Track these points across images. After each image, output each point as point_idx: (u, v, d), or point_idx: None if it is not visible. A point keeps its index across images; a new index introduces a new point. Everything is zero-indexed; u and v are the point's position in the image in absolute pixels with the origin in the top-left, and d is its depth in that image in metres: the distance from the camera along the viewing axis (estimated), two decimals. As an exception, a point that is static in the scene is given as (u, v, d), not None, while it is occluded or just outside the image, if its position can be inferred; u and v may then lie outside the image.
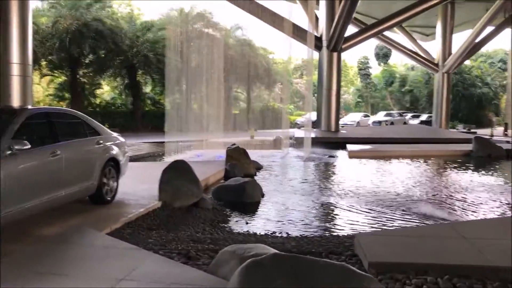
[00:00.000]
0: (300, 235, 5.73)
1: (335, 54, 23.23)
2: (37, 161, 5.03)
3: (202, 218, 6.42)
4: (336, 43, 22.67)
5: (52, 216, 5.51)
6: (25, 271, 3.73)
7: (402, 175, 11.58)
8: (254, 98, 35.93)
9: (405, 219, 6.81)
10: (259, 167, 11.91)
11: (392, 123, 36.79)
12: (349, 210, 7.45)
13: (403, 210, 7.39)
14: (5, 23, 11.44)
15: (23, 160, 4.76)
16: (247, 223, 6.50)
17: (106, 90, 33.63)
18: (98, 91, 31.36)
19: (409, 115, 41.63)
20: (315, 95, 26.59)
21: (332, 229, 6.29)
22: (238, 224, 6.45)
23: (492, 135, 25.51)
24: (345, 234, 5.78)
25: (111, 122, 25.51)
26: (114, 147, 6.76)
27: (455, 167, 13.32)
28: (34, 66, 22.12)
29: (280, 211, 7.42)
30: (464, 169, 12.92)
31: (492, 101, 44.49)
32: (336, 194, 8.86)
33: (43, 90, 30.55)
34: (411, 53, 31.67)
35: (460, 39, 31.01)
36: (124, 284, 3.49)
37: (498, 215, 7.36)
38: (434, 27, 31.71)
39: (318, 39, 23.23)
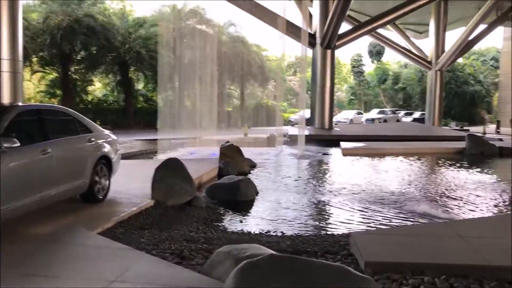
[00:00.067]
0: (295, 234, 5.67)
1: (328, 52, 23.22)
2: (27, 159, 4.93)
3: (195, 217, 6.34)
4: (330, 41, 22.65)
5: (42, 215, 5.41)
6: (12, 273, 3.61)
7: (396, 173, 11.57)
8: (247, 95, 35.85)
9: (400, 218, 6.77)
10: (253, 165, 11.85)
11: (385, 121, 36.89)
12: (344, 209, 7.40)
13: (397, 208, 7.36)
14: (-5, 19, 11.29)
15: (13, 158, 4.65)
16: (241, 222, 6.44)
17: (98, 87, 33.42)
18: (90, 88, 31.15)
19: (402, 112, 41.78)
20: (309, 92, 26.57)
21: (327, 228, 6.23)
22: (232, 223, 6.38)
23: (484, 133, 25.66)
24: (340, 233, 5.72)
25: (103, 119, 25.35)
26: (106, 144, 6.67)
27: (448, 165, 13.34)
28: (25, 62, 21.93)
29: (275, 209, 7.36)
30: (458, 167, 12.93)
31: (484, 99, 44.78)
32: (330, 192, 8.81)
33: (34, 86, 30.28)
34: (404, 51, 31.77)
35: (453, 37, 31.19)
36: (116, 286, 3.41)
37: (494, 213, 7.35)
38: (427, 24, 31.83)
39: (312, 36, 23.20)
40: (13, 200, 4.62)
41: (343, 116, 38.65)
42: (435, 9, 30.11)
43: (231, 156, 10.84)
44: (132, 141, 17.71)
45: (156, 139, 16.86)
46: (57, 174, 5.41)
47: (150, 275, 3.63)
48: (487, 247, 4.41)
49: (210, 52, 20.12)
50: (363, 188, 9.16)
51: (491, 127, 31.38)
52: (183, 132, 17.02)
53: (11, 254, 4.13)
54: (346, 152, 15.89)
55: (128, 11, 32.84)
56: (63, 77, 27.25)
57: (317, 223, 6.59)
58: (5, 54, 11.45)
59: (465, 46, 30.27)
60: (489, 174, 11.92)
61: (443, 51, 30.76)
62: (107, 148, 6.65)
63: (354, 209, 7.35)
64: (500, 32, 37.74)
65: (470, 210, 7.49)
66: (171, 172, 7.01)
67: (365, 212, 7.13)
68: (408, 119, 38.81)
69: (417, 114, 39.38)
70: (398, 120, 38.23)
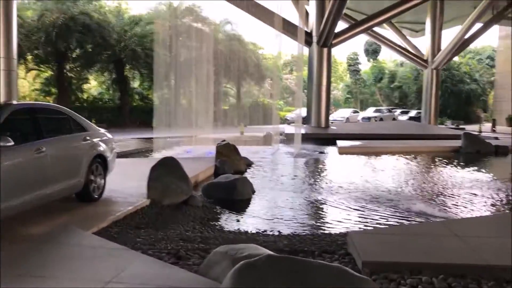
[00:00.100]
0: (292, 233, 5.65)
1: (325, 50, 23.20)
2: (21, 158, 4.87)
3: (191, 216, 6.30)
4: (326, 39, 22.62)
5: (37, 214, 5.36)
6: (5, 273, 3.55)
7: (392, 172, 11.58)
8: (243, 94, 35.81)
9: (397, 216, 6.76)
10: (249, 164, 11.82)
11: (381, 119, 36.92)
12: (340, 207, 7.38)
13: (394, 207, 7.34)
14: (-11, 16, 11.19)
15: (7, 157, 4.59)
16: (238, 221, 6.40)
17: (93, 85, 33.28)
18: (85, 86, 31.01)
19: (398, 111, 41.80)
20: (305, 90, 26.56)
21: (324, 227, 6.21)
22: (228, 222, 6.34)
23: (480, 131, 25.73)
24: (337, 232, 5.70)
25: (98, 117, 25.25)
26: (101, 143, 6.62)
27: (445, 163, 13.35)
28: (20, 60, 21.80)
29: (271, 208, 7.33)
30: (454, 165, 12.95)
31: (480, 97, 44.89)
32: (326, 190, 8.79)
33: (29, 84, 30.12)
34: (400, 49, 31.78)
35: (449, 36, 31.22)
36: (111, 286, 3.36)
37: (491, 212, 7.35)
38: (424, 23, 31.85)
39: (308, 35, 23.18)
40: (8, 199, 4.56)
41: (339, 114, 38.65)
42: (431, 7, 30.12)
43: (227, 155, 10.79)
44: (127, 140, 17.63)
45: (152, 138, 16.79)
46: (52, 173, 5.36)
47: (146, 276, 3.59)
48: (484, 246, 4.40)
49: (206, 50, 20.01)
50: (359, 187, 9.15)
51: (487, 126, 31.46)
52: (179, 131, 16.93)
53: (4, 254, 4.07)
54: (343, 151, 15.89)
55: (123, 9, 32.69)
56: (58, 75, 27.10)
57: (314, 222, 6.57)
58: (0, 52, 11.35)
59: (461, 45, 30.31)
60: (485, 172, 11.94)
61: (439, 49, 30.79)
62: (102, 146, 6.60)
63: (350, 208, 7.32)
64: (495, 30, 37.88)
65: (466, 208, 7.49)
66: (167, 171, 6.97)
67: (362, 211, 7.11)
68: (404, 117, 38.83)
69: (413, 113, 39.42)
70: (394, 119, 38.26)
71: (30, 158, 5.00)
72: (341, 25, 24.81)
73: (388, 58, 55.31)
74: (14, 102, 7.28)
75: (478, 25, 30.09)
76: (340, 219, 6.63)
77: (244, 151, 12.50)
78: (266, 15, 21.75)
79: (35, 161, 5.08)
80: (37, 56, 26.40)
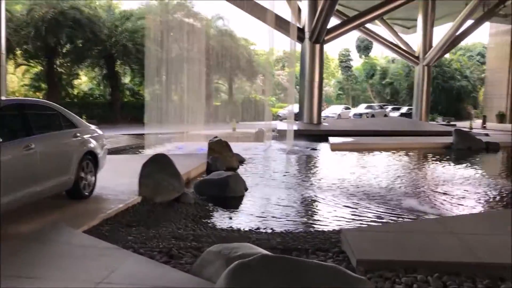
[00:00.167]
0: (285, 230, 5.61)
1: (317, 46, 23.15)
2: (9, 155, 4.76)
3: (184, 213, 6.23)
4: (319, 35, 22.58)
5: (26, 212, 5.26)
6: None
7: (385, 168, 11.57)
8: (235, 90, 35.67)
9: (390, 213, 6.74)
10: (241, 160, 11.75)
11: (373, 116, 36.99)
12: (333, 204, 7.35)
13: (387, 204, 7.33)
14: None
15: (-6, 154, 4.49)
16: (230, 219, 6.34)
17: (84, 81, 32.96)
18: (75, 82, 30.68)
19: (390, 107, 41.91)
20: (297, 87, 26.52)
21: (317, 224, 6.17)
22: (221, 219, 6.28)
23: (471, 128, 25.86)
24: (331, 229, 5.66)
25: (89, 113, 24.98)
26: (91, 140, 6.54)
27: (436, 160, 13.40)
28: (8, 55, 21.50)
29: (264, 205, 7.28)
30: (446, 162, 12.99)
31: (470, 94, 45.15)
32: (319, 187, 8.76)
33: (18, 80, 29.72)
34: (392, 46, 31.84)
35: (440, 32, 31.31)
36: (102, 287, 3.29)
37: (484, 209, 7.36)
38: (415, 20, 31.91)
39: (301, 31, 23.12)
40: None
41: (331, 111, 38.66)
42: (423, 4, 30.20)
43: (219, 152, 10.73)
44: (118, 136, 17.49)
45: (143, 134, 16.65)
46: (41, 171, 5.27)
47: (138, 276, 3.52)
48: (479, 244, 4.38)
49: (198, 46, 19.90)
50: (352, 183, 9.14)
51: (477, 122, 31.65)
52: (171, 127, 16.82)
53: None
54: (335, 147, 15.88)
55: (114, 4, 32.35)
56: (48, 70, 26.77)
57: (306, 219, 6.53)
58: (-12, 46, 11.19)
59: (453, 42, 30.43)
60: (477, 169, 11.99)
61: (430, 46, 30.89)
62: (93, 143, 6.51)
63: (343, 205, 7.30)
64: (486, 28, 38.05)
65: (459, 205, 7.50)
66: (158, 168, 6.89)
67: (355, 208, 7.09)
68: (395, 114, 38.95)
69: (404, 109, 39.55)
70: (385, 115, 38.36)
71: (18, 155, 4.91)
72: (333, 21, 24.81)
73: (380, 54, 55.45)
74: (3, 97, 7.15)
75: (469, 22, 30.23)
76: (333, 216, 6.60)
77: (236, 147, 12.43)
78: (258, 11, 21.65)
79: (24, 158, 4.99)
80: (26, 51, 26.04)
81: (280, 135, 18.86)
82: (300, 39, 23.10)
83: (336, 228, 5.71)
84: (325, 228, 5.79)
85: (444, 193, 8.37)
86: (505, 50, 35.79)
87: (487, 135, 21.06)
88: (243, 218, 6.44)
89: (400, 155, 14.23)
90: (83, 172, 6.17)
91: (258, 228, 5.72)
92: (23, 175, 4.96)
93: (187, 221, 5.90)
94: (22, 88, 29.00)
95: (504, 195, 8.33)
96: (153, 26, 18.15)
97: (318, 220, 6.52)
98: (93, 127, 6.99)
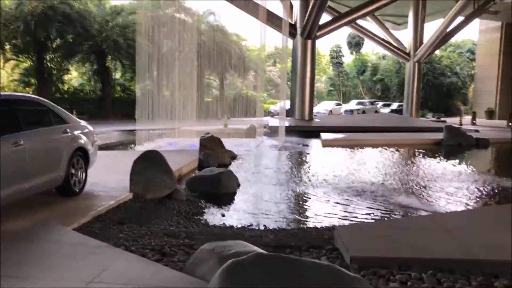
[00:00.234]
0: (278, 227, 5.58)
1: (309, 42, 23.11)
2: (-3, 151, 4.67)
3: (176, 210, 6.17)
4: (311, 31, 22.54)
5: (15, 209, 5.17)
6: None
7: (376, 164, 11.59)
8: (227, 86, 35.51)
9: (383, 210, 6.74)
10: (233, 157, 11.70)
11: (364, 112, 37.08)
12: (326, 201, 7.34)
13: (379, 200, 7.34)
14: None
15: (-18, 151, 4.40)
16: (223, 216, 6.29)
17: (74, 76, 32.63)
18: (66, 77, 30.34)
19: (380, 103, 42.02)
20: (289, 83, 26.46)
21: (310, 221, 6.15)
22: (213, 216, 6.23)
23: (461, 124, 26.01)
24: (324, 226, 5.65)
25: (79, 109, 24.79)
26: (82, 136, 6.45)
27: (427, 156, 13.45)
28: (-3, 50, 21.20)
29: (257, 202, 7.25)
30: (437, 158, 13.04)
31: (460, 91, 45.39)
32: (311, 184, 8.74)
33: (7, 75, 29.35)
34: (383, 42, 31.90)
35: (431, 29, 31.42)
36: (93, 287, 3.23)
37: (477, 206, 7.39)
38: (406, 16, 32.00)
39: (293, 27, 23.05)
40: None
41: (323, 107, 38.68)
42: (414, 1, 30.27)
43: (211, 148, 10.66)
44: (109, 132, 17.36)
45: (134, 130, 16.54)
46: (31, 167, 5.18)
47: (130, 275, 3.46)
48: (472, 240, 4.38)
49: (189, 41, 19.76)
50: (344, 180, 9.14)
51: (467, 118, 31.85)
52: (162, 123, 16.70)
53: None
54: (326, 143, 15.90)
55: (105, -1, 32.04)
56: (38, 65, 26.45)
57: (299, 216, 6.52)
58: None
59: (443, 38, 30.55)
60: (468, 165, 12.05)
61: (421, 42, 31.01)
62: (83, 139, 6.42)
63: (336, 201, 7.29)
64: (476, 24, 38.25)
65: (452, 202, 7.52)
66: (150, 164, 6.82)
67: (347, 204, 7.08)
68: (386, 110, 39.04)
69: (395, 105, 39.66)
70: (376, 111, 38.47)
71: (7, 151, 4.81)
72: (325, 17, 24.78)
73: (371, 51, 55.54)
74: (-9, 93, 7.03)
75: (460, 19, 30.36)
76: (325, 212, 6.59)
77: (228, 143, 12.38)
78: (250, 7, 21.54)
79: (13, 154, 4.90)
80: (16, 46, 25.70)
81: (271, 131, 18.83)
82: (292, 35, 23.04)
83: (329, 224, 5.70)
84: (318, 225, 5.78)
85: (436, 190, 8.39)
86: (494, 47, 36.05)
87: (477, 131, 21.21)
88: (235, 215, 6.40)
89: (391, 151, 14.27)
90: (73, 168, 6.08)
91: (251, 225, 5.69)
92: (12, 171, 4.87)
93: (179, 218, 5.84)
94: (12, 83, 28.63)
95: (496, 191, 8.38)
96: (144, 21, 17.97)
97: (311, 216, 6.50)
98: (83, 123, 6.89)
